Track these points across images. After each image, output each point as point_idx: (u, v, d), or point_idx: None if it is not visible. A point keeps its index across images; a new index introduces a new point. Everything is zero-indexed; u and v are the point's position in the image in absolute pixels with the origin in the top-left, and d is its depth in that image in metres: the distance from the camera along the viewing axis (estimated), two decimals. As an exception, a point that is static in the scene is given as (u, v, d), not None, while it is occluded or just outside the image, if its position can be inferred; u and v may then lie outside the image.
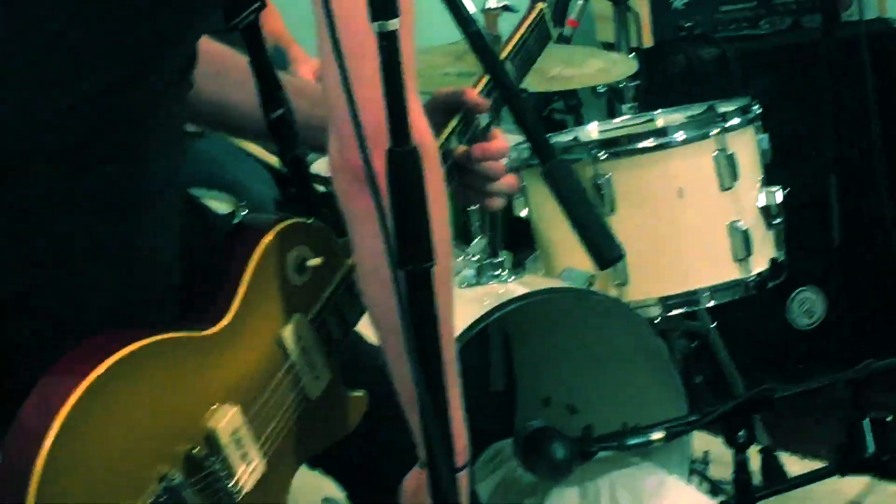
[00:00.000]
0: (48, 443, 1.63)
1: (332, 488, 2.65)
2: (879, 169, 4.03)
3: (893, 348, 3.94)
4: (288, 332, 1.96)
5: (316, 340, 2.02)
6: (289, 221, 2.01)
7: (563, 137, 3.46)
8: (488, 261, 3.04)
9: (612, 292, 3.14)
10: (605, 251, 1.87)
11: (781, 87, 3.76)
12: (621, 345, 3.10)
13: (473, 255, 3.06)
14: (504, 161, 2.28)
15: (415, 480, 2.02)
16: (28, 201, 1.88)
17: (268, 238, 1.96)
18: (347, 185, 1.91)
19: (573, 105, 4.25)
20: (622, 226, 3.18)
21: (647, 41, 3.88)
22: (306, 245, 2.01)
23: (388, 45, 1.75)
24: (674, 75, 4.01)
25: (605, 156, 3.12)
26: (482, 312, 2.85)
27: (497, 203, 2.28)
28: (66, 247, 1.89)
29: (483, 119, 2.26)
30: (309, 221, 2.05)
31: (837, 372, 3.54)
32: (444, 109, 2.23)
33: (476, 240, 3.10)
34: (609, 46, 3.69)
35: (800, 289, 3.58)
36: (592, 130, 3.46)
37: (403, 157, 1.73)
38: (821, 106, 3.95)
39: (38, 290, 1.89)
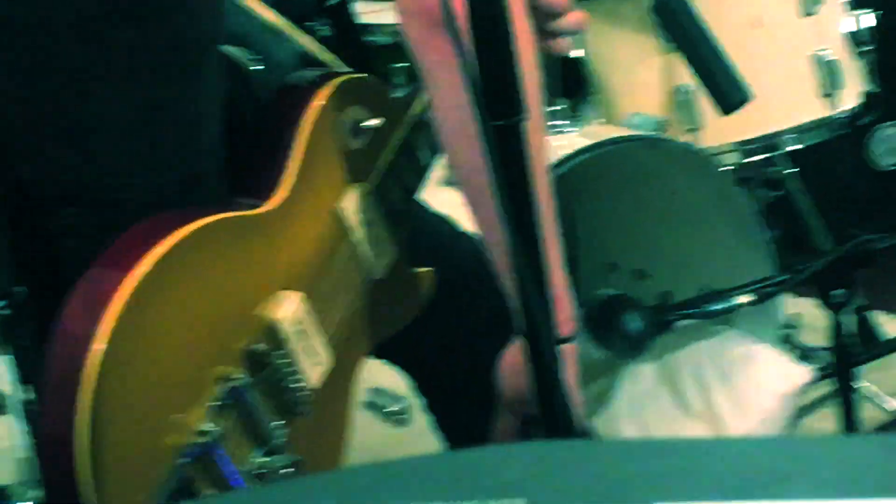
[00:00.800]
0: (97, 346, 1.61)
1: (384, 377, 2.68)
2: None
3: None
4: (349, 205, 1.96)
5: (378, 212, 2.01)
6: (342, 78, 1.97)
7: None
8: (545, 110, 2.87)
9: (685, 138, 3.04)
10: (731, 94, 1.86)
11: None
12: (696, 198, 3.04)
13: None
14: None
15: (513, 354, 1.95)
16: (59, 67, 1.84)
17: (320, 98, 1.92)
18: (422, 30, 1.86)
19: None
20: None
21: None
22: (361, 104, 1.98)
23: None
24: None
25: None
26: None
27: (563, 45, 2.12)
28: (108, 117, 1.84)
29: None
30: (362, 76, 2.03)
31: None
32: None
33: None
34: None
35: (880, 124, 3.37)
36: None
37: (487, 3, 1.63)
38: None
39: (79, 171, 1.84)
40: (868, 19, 3.27)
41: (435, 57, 1.87)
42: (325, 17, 2.25)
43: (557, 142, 2.98)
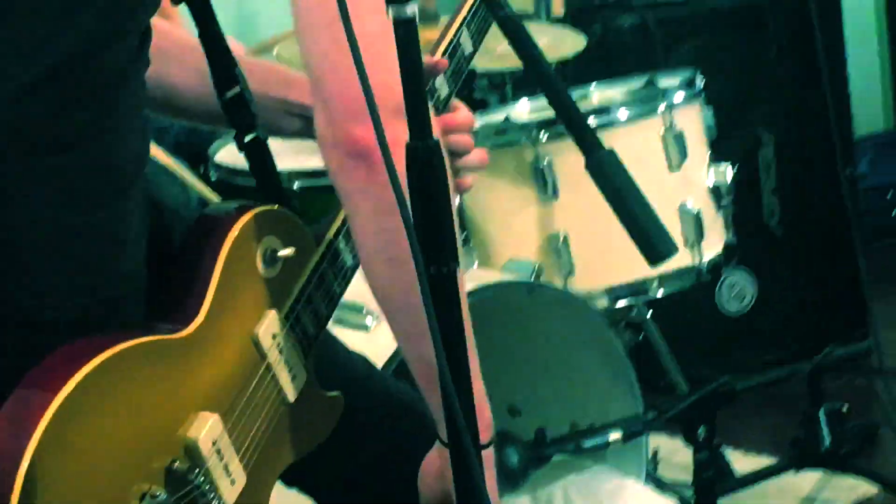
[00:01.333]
0: (24, 465, 1.61)
1: None
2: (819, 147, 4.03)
3: (833, 332, 3.99)
4: (263, 330, 1.94)
5: (291, 338, 2.00)
6: (256, 210, 1.98)
7: (495, 117, 3.41)
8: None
9: (558, 283, 3.12)
10: (658, 246, 1.93)
11: (706, 55, 3.76)
12: (570, 340, 3.08)
13: None
14: (470, 134, 2.26)
15: (435, 462, 2.03)
16: None
17: (236, 229, 1.93)
18: (342, 160, 1.89)
19: (498, 83, 4.23)
20: (566, 213, 3.20)
21: (558, 10, 3.87)
22: (275, 235, 1.99)
23: (405, 33, 1.72)
24: (590, 46, 3.90)
25: (546, 137, 3.09)
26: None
27: (468, 182, 2.24)
28: (32, 239, 1.84)
29: (443, 90, 2.24)
30: (276, 209, 2.03)
31: (769, 359, 3.63)
32: None
33: None
34: (527, 17, 3.70)
35: (728, 271, 3.53)
36: (523, 109, 3.45)
37: (426, 152, 1.71)
38: (755, 73, 3.96)
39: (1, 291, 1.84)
40: (728, 173, 3.34)
41: (354, 183, 1.92)
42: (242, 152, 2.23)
43: None
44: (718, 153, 3.41)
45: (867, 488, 3.49)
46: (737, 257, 3.45)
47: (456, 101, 2.33)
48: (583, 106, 3.28)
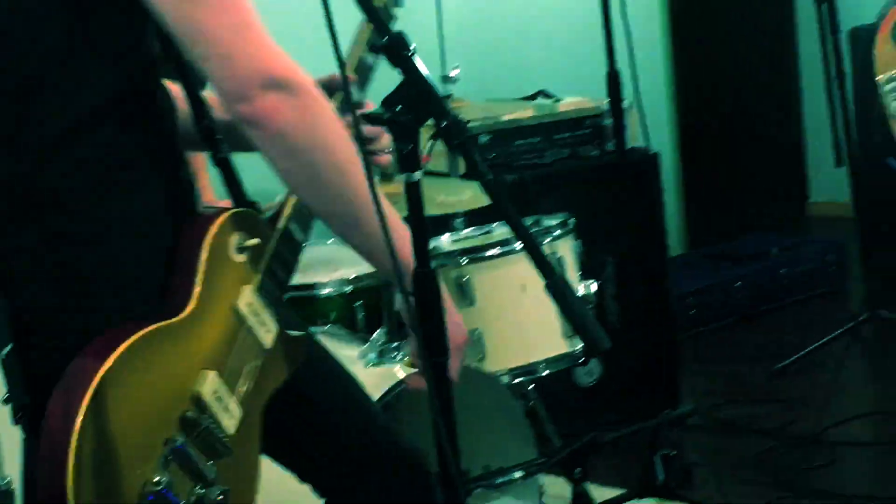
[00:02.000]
0: (77, 426, 1.68)
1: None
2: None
3: (658, 398, 4.17)
4: (241, 302, 1.95)
5: (262, 302, 1.99)
6: (227, 213, 1.97)
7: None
8: (387, 346, 3.07)
9: (474, 365, 3.16)
10: (599, 343, 1.87)
11: (563, 204, 3.76)
12: (484, 406, 3.10)
13: (377, 341, 3.08)
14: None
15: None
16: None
17: (213, 229, 1.93)
18: (263, 99, 1.82)
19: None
20: (481, 314, 3.26)
21: (463, 170, 3.99)
22: (243, 230, 1.98)
23: (413, 193, 1.85)
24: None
25: (466, 261, 3.21)
26: (385, 389, 2.86)
27: (385, 159, 2.19)
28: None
29: (358, 97, 2.22)
30: (242, 210, 2.01)
31: (611, 419, 3.80)
32: (326, 91, 2.07)
33: (378, 330, 3.12)
34: (444, 174, 3.69)
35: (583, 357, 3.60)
36: (446, 241, 3.51)
37: (427, 277, 1.84)
38: (601, 216, 4.07)
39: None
40: (593, 287, 3.48)
41: (281, 118, 1.83)
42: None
43: (396, 369, 3.00)
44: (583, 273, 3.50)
45: None
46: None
47: (367, 102, 2.24)
48: (489, 239, 3.44)
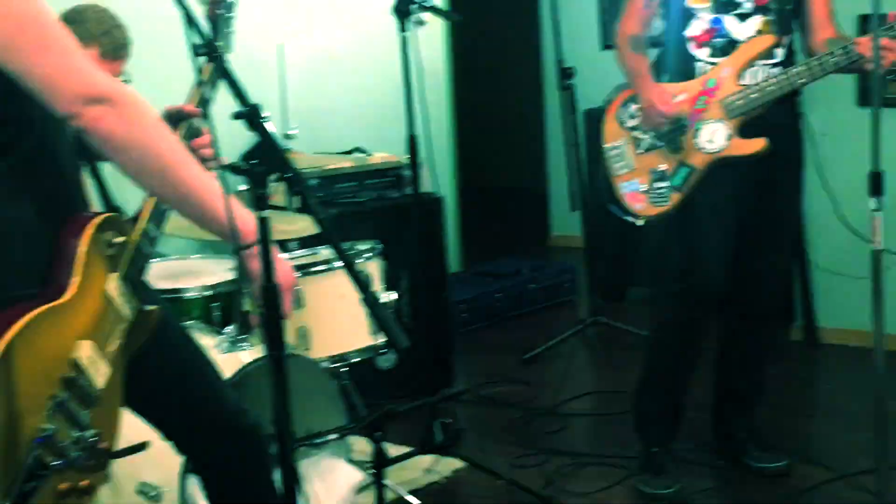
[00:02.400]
0: None
1: (149, 475, 2.74)
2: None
3: (438, 383, 4.12)
4: (110, 286, 1.92)
5: (125, 286, 1.95)
6: (100, 217, 1.91)
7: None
8: (236, 338, 3.05)
9: (302, 353, 3.15)
10: (400, 342, 1.93)
11: (372, 234, 3.71)
12: (308, 385, 3.01)
13: (229, 335, 3.05)
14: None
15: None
16: None
17: (90, 228, 1.88)
18: (91, 112, 1.75)
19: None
20: (309, 314, 3.20)
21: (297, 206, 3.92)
22: (112, 229, 1.94)
23: (263, 226, 1.81)
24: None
25: (299, 275, 3.04)
26: (235, 370, 2.85)
27: (209, 152, 2.11)
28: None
29: (199, 124, 2.18)
30: (111, 214, 1.96)
31: (401, 394, 3.77)
32: (174, 121, 2.09)
33: (230, 326, 3.08)
34: (281, 207, 3.61)
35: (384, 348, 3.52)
36: (284, 256, 3.30)
37: (281, 360, 1.88)
38: (399, 243, 3.99)
39: None
40: (393, 296, 3.44)
41: (107, 124, 1.76)
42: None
43: (243, 356, 2.99)
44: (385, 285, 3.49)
45: (458, 463, 3.61)
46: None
47: (205, 129, 2.16)
48: (316, 258, 3.37)
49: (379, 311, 1.89)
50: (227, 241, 1.88)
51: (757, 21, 3.18)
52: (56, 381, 1.78)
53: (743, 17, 3.18)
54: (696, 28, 3.22)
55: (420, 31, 4.80)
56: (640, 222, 3.29)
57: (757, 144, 3.16)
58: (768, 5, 3.17)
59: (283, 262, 1.98)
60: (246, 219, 1.87)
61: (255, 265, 1.89)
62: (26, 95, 1.78)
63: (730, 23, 3.19)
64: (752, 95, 3.14)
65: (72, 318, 1.82)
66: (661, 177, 3.22)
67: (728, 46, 3.20)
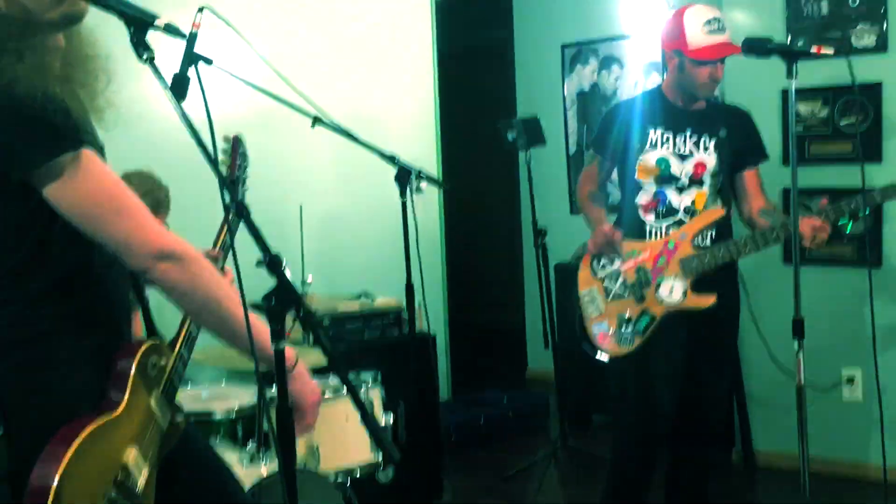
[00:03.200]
0: (53, 488, 1.65)
1: None
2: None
3: (430, 494, 4.06)
4: (152, 402, 1.92)
5: (164, 399, 1.95)
6: (148, 343, 1.93)
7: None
8: (256, 454, 3.00)
9: (313, 468, 3.11)
10: (392, 454, 1.92)
11: (374, 365, 3.67)
12: (317, 495, 3.03)
13: (250, 451, 3.00)
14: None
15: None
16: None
17: (139, 354, 1.89)
18: (161, 267, 1.76)
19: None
20: (319, 435, 3.11)
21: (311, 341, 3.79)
22: (155, 353, 1.94)
23: (279, 356, 1.78)
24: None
25: None
26: (254, 481, 2.83)
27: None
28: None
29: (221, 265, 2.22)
30: (156, 341, 1.97)
31: None
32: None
33: (250, 442, 3.05)
34: (299, 343, 3.63)
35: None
36: None
37: (287, 413, 1.81)
38: (393, 375, 3.89)
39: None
40: (391, 419, 3.39)
41: (174, 276, 1.78)
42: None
43: (263, 470, 2.90)
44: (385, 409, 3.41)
45: None
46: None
47: (228, 268, 2.22)
48: (326, 386, 3.26)
49: (376, 431, 1.86)
50: (269, 367, 1.85)
51: (692, 193, 3.31)
52: (109, 481, 1.78)
53: (680, 189, 3.31)
54: (643, 198, 3.34)
55: (419, 197, 4.95)
56: (606, 360, 3.29)
57: (708, 300, 3.24)
58: (702, 178, 3.30)
59: (312, 382, 1.98)
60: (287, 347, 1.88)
61: (291, 386, 1.89)
62: (91, 247, 1.79)
63: (671, 194, 3.31)
64: (706, 259, 3.21)
65: (122, 428, 1.83)
66: (627, 322, 3.27)
67: (669, 212, 3.31)
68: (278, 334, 1.78)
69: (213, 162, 1.64)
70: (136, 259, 1.75)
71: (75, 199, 1.69)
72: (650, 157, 3.28)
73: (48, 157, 1.66)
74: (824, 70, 4.03)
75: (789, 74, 2.77)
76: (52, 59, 1.72)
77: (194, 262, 1.80)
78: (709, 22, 3.15)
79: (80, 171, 1.68)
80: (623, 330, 3.22)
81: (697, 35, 3.15)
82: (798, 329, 2.84)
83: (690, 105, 3.26)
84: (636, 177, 3.29)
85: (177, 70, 1.81)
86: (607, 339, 3.24)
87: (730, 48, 3.14)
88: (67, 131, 1.67)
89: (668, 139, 3.26)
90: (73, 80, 1.72)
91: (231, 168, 2.62)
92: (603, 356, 3.27)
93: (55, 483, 1.65)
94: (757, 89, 4.31)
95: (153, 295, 2.06)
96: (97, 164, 1.72)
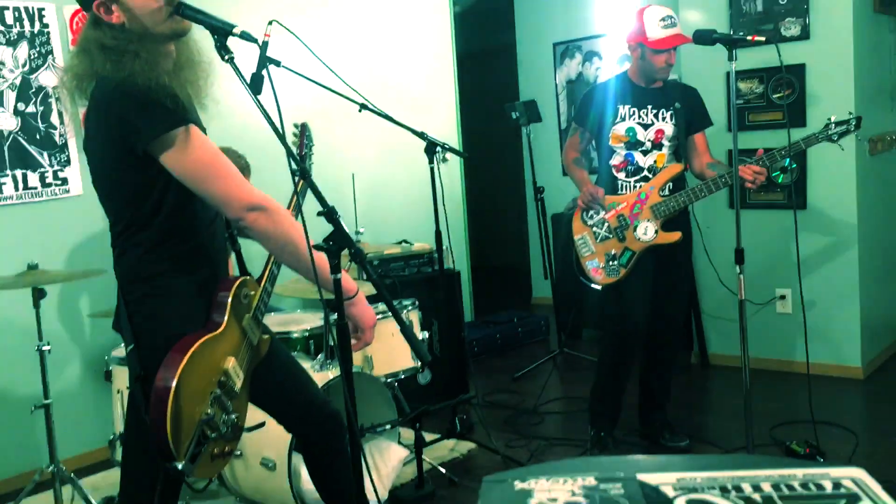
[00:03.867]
0: (173, 387, 1.65)
1: (268, 451, 2.63)
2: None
3: (457, 391, 4.02)
4: (245, 322, 1.90)
5: (255, 321, 1.92)
6: (241, 279, 1.89)
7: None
8: (324, 362, 2.95)
9: (367, 372, 3.08)
10: (425, 359, 1.93)
11: (413, 294, 3.67)
12: (371, 392, 3.05)
13: (320, 360, 2.96)
14: None
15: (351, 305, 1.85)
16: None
17: (234, 286, 1.86)
18: (252, 216, 1.71)
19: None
20: (372, 347, 3.09)
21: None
22: (246, 286, 1.91)
23: (337, 287, 1.75)
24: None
25: None
26: (324, 382, 2.77)
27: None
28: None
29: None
30: (247, 277, 1.93)
31: (437, 400, 3.68)
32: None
33: (320, 354, 3.00)
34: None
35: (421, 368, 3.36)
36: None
37: (345, 328, 1.80)
38: (429, 301, 3.92)
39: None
40: (426, 335, 3.32)
41: (264, 225, 1.71)
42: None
43: (329, 373, 2.83)
44: (422, 327, 3.40)
45: (471, 445, 3.50)
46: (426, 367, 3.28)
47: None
48: (376, 310, 3.24)
49: (413, 341, 1.85)
50: (333, 294, 1.82)
51: (654, 154, 3.28)
52: (214, 382, 1.78)
53: (645, 152, 3.28)
54: (615, 160, 3.31)
55: (445, 166, 4.93)
56: (599, 288, 3.26)
57: (675, 236, 3.22)
58: (661, 142, 3.27)
59: (369, 307, 1.92)
60: (348, 280, 1.85)
61: (353, 310, 1.85)
62: (199, 203, 1.77)
63: (637, 156, 3.28)
64: (671, 204, 3.18)
65: (223, 343, 1.82)
66: (613, 257, 3.24)
67: (637, 170, 3.28)
68: (336, 268, 1.79)
69: (281, 137, 1.65)
70: (232, 210, 1.72)
71: (185, 163, 1.67)
72: (620, 128, 3.25)
73: (164, 131, 1.65)
74: (760, 56, 4.00)
75: (730, 58, 2.74)
76: (164, 60, 1.71)
77: (277, 212, 1.76)
78: (663, 18, 3.11)
79: (188, 142, 1.66)
80: (610, 264, 3.19)
81: (655, 29, 3.10)
82: (739, 257, 2.84)
83: (650, 85, 3.21)
84: (610, 143, 3.27)
85: (254, 71, 1.81)
86: (599, 272, 3.21)
87: (681, 38, 3.09)
88: (177, 111, 1.66)
89: (634, 112, 3.22)
90: (182, 79, 1.71)
91: (300, 147, 2.59)
92: (597, 286, 3.22)
93: (174, 383, 1.66)
94: (707, 71, 4.25)
95: (243, 243, 2.09)
96: (201, 136, 1.70)
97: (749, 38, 2.76)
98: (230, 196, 1.71)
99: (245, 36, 1.61)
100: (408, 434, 3.33)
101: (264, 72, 1.77)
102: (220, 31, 1.63)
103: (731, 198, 4.24)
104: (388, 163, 4.85)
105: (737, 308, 2.80)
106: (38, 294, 2.80)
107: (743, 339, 2.78)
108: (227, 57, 1.62)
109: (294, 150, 2.32)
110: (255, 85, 1.88)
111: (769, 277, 4.19)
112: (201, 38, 1.79)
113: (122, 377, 2.94)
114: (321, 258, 1.75)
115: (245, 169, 3.13)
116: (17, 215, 3.41)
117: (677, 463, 0.77)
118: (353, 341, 1.90)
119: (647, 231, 3.16)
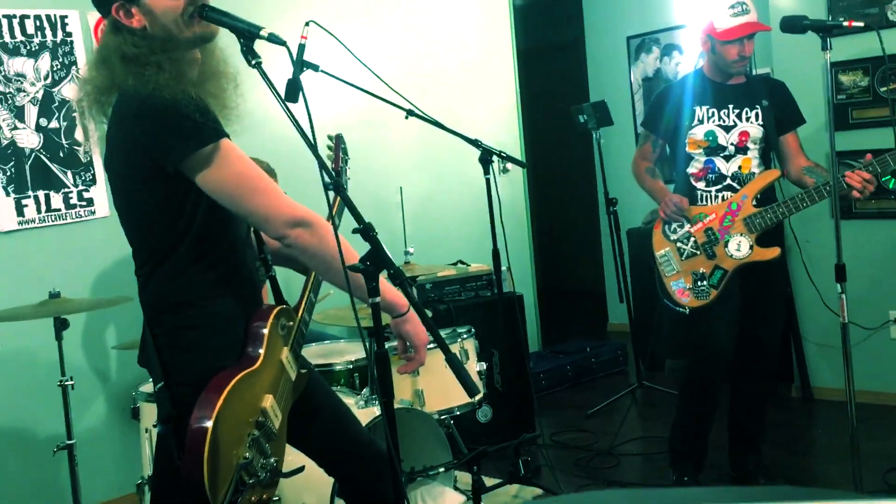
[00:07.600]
0: (210, 428, 1.67)
1: (308, 497, 2.66)
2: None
3: (521, 430, 4.02)
4: (283, 356, 1.92)
5: (293, 354, 1.95)
6: (278, 308, 1.91)
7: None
8: (369, 398, 2.97)
9: (420, 408, 3.12)
10: (472, 391, 1.87)
11: (470, 321, 3.69)
12: (422, 430, 3.08)
13: (364, 395, 2.98)
14: None
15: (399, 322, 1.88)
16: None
17: (272, 316, 1.89)
18: (293, 233, 1.74)
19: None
20: (422, 380, 3.15)
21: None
22: (284, 316, 1.93)
23: (375, 311, 1.75)
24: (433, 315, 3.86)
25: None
26: (369, 419, 2.78)
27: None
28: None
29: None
30: (284, 306, 1.95)
31: (498, 441, 3.70)
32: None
33: (364, 389, 3.03)
34: None
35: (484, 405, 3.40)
36: None
37: (384, 356, 1.78)
38: (487, 330, 3.94)
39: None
40: (483, 366, 3.35)
41: (306, 242, 1.74)
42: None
43: (376, 410, 2.85)
44: (479, 358, 3.42)
45: (537, 491, 3.49)
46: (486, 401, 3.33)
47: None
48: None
49: (458, 368, 1.82)
50: (385, 312, 1.83)
51: (738, 160, 3.24)
52: (252, 423, 1.80)
53: (728, 158, 3.24)
54: (694, 168, 3.28)
55: (505, 176, 4.95)
56: (687, 312, 3.20)
57: (773, 252, 3.16)
58: (746, 146, 3.23)
59: (421, 325, 1.90)
60: (398, 295, 1.85)
61: (406, 327, 1.87)
62: (231, 223, 1.80)
63: (719, 162, 3.25)
64: (769, 216, 3.12)
65: (261, 379, 1.83)
66: (702, 277, 3.19)
67: (719, 179, 3.24)
68: (374, 292, 1.79)
69: (313, 147, 1.66)
70: (274, 227, 1.72)
71: (222, 180, 1.68)
72: (698, 132, 3.21)
73: (196, 148, 1.66)
74: (865, 44, 3.92)
75: (824, 47, 2.70)
76: (190, 70, 1.74)
77: (321, 227, 1.76)
78: (733, 6, 3.09)
79: (223, 157, 1.67)
80: (699, 284, 3.14)
81: (723, 18, 3.10)
82: (840, 273, 2.77)
83: (729, 81, 3.16)
84: (687, 150, 3.24)
85: (289, 77, 1.85)
86: (686, 294, 3.17)
87: (752, 26, 3.06)
88: (208, 125, 1.67)
89: (713, 114, 3.18)
90: (207, 90, 1.74)
91: (335, 161, 2.60)
92: (683, 310, 3.18)
93: (210, 424, 1.66)
94: (803, 64, 4.19)
95: (278, 270, 2.12)
96: (236, 150, 1.71)
97: (846, 23, 2.72)
98: (272, 212, 1.71)
99: (273, 38, 1.62)
100: (465, 478, 3.34)
101: (301, 77, 1.85)
102: (247, 34, 1.65)
103: (833, 207, 4.14)
104: (439, 174, 4.88)
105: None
106: (61, 324, 2.87)
107: (847, 367, 2.72)
108: (254, 62, 1.63)
109: (329, 163, 2.33)
110: (291, 92, 1.89)
111: (881, 298, 4.11)
112: (229, 44, 1.82)
113: (150, 415, 3.00)
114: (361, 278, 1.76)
115: (272, 174, 3.16)
116: (40, 239, 3.46)
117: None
118: (403, 362, 1.92)
119: (740, 247, 3.12)
